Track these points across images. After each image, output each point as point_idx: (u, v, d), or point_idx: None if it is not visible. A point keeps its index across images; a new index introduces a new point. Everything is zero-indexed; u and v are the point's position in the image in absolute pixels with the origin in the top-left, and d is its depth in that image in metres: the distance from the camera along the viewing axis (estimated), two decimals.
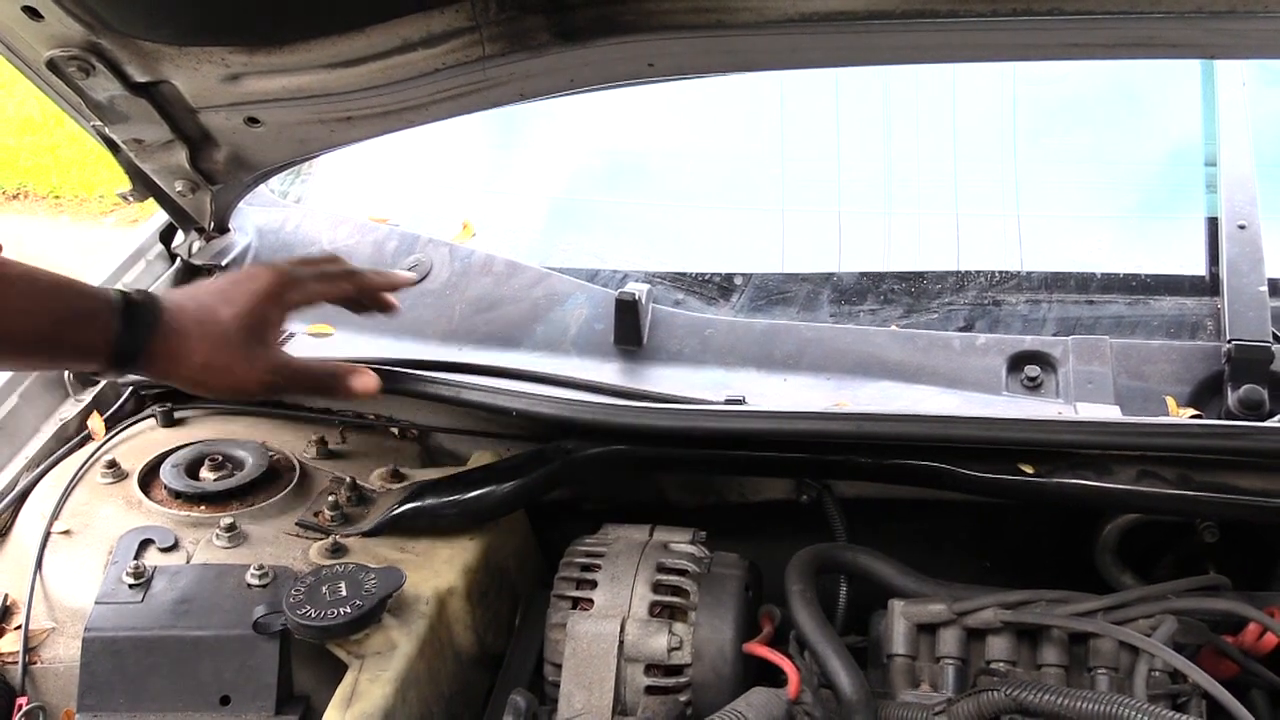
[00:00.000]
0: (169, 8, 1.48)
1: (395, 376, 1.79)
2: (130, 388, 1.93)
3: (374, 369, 1.79)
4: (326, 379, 1.62)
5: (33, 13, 1.46)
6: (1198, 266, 1.99)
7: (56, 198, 7.25)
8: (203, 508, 1.67)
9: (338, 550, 1.60)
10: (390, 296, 1.73)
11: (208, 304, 1.51)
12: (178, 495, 1.69)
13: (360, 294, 1.70)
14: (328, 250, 2.00)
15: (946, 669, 1.52)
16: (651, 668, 1.57)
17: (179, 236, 2.11)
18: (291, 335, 1.93)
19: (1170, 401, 1.79)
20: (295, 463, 1.78)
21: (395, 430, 1.92)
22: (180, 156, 1.76)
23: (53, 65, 1.55)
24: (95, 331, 1.42)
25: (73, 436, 1.87)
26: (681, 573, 1.61)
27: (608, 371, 1.89)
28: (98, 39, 1.51)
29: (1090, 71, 2.27)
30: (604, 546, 1.66)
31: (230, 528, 1.61)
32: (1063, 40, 1.42)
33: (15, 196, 7.32)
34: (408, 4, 1.42)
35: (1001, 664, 1.51)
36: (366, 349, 1.94)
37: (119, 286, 1.54)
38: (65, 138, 7.49)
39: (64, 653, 1.51)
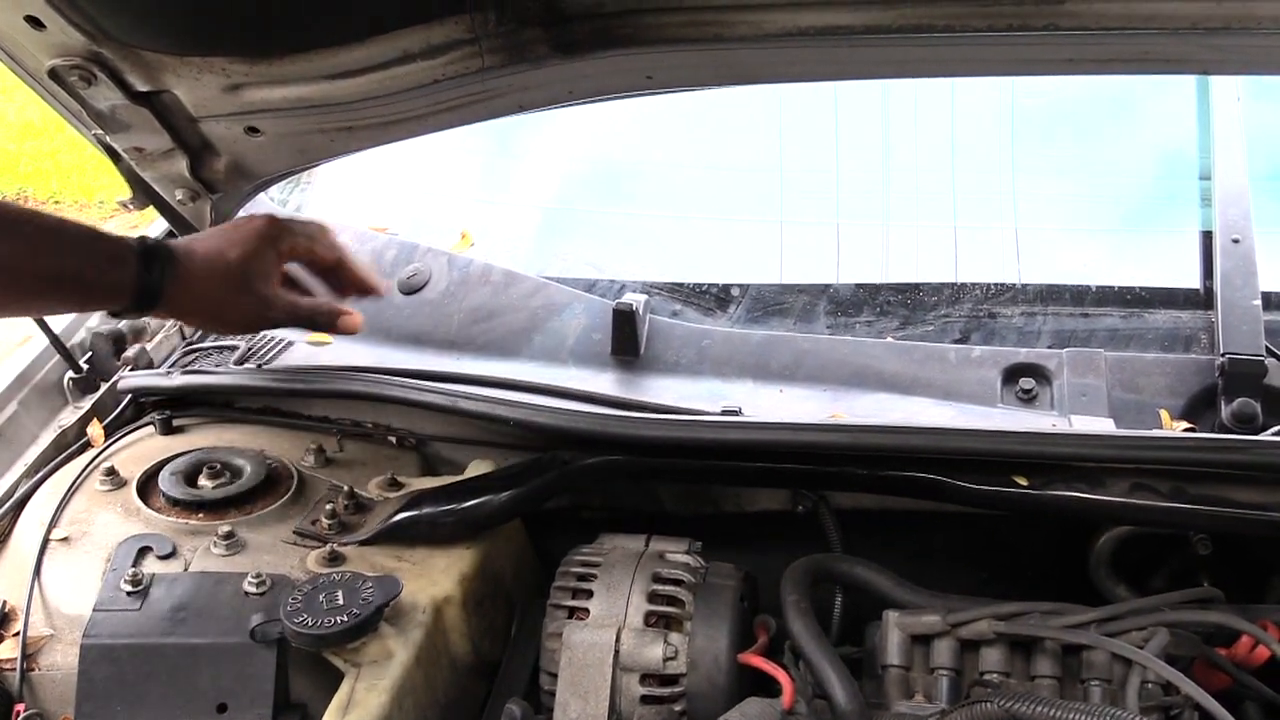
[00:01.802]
0: (171, 18, 1.49)
1: (393, 385, 1.80)
2: (129, 395, 1.94)
3: (371, 377, 1.80)
4: (315, 316, 1.74)
5: (35, 22, 1.47)
6: (1192, 280, 1.99)
7: (56, 202, 7.26)
8: (201, 515, 1.68)
9: (335, 559, 1.61)
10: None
11: (214, 247, 1.64)
12: (176, 503, 1.69)
13: (340, 268, 1.77)
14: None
15: (940, 680, 1.53)
16: (647, 677, 1.57)
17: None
18: (290, 344, 1.94)
19: (1164, 415, 1.79)
20: (293, 471, 1.78)
21: (393, 439, 1.92)
22: (181, 165, 1.76)
23: (55, 74, 1.55)
24: (122, 274, 1.55)
25: (72, 444, 1.88)
26: (677, 583, 1.62)
27: (605, 381, 1.90)
28: (99, 49, 1.52)
29: (1087, 86, 2.28)
30: (600, 556, 1.66)
31: (228, 536, 1.61)
32: (1059, 56, 1.42)
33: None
34: (408, 16, 1.43)
35: (995, 675, 1.52)
36: (364, 358, 1.95)
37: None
38: (65, 143, 7.51)
39: (62, 660, 1.51)
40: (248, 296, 1.64)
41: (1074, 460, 1.59)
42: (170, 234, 2.07)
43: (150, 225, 2.19)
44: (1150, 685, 1.46)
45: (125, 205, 1.91)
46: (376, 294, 1.81)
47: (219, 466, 1.74)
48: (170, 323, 2.08)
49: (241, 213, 2.06)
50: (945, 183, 2.19)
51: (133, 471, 1.75)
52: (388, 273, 2.11)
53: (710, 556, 1.70)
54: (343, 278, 1.77)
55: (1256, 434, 1.73)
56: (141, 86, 1.58)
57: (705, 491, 1.91)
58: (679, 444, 1.67)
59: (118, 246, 1.57)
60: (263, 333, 2.05)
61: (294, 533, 1.68)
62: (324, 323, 1.75)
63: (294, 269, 1.74)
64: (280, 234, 1.68)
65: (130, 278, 1.55)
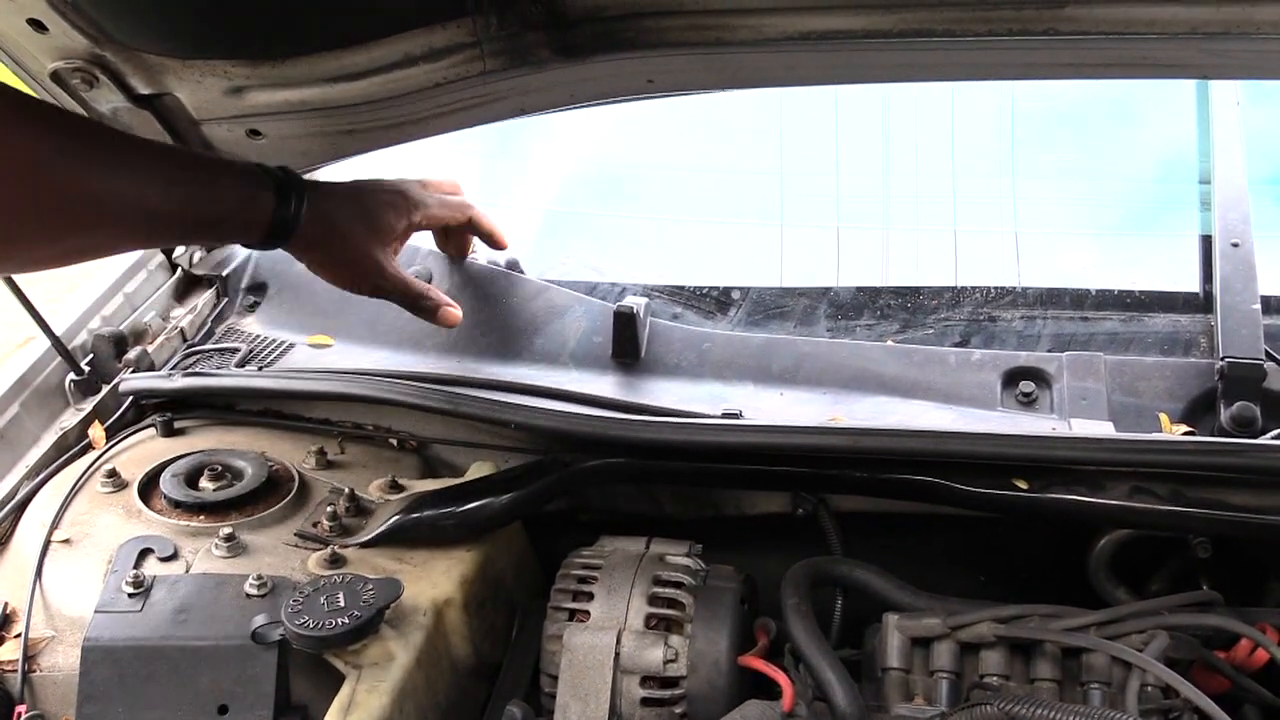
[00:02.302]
0: (173, 21, 1.49)
1: (394, 388, 1.80)
2: (130, 397, 1.94)
3: (373, 380, 1.80)
4: (422, 299, 1.79)
5: (38, 25, 1.47)
6: (1191, 284, 1.99)
7: None
8: (202, 517, 1.68)
9: (336, 561, 1.61)
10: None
11: (349, 194, 1.68)
12: (177, 505, 1.69)
13: (472, 225, 1.87)
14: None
15: (940, 683, 1.53)
16: (647, 679, 1.57)
17: (180, 247, 2.12)
18: (291, 346, 1.94)
19: (1163, 418, 1.79)
20: (294, 473, 1.79)
21: (394, 441, 1.92)
22: None
23: (57, 77, 1.56)
24: (257, 210, 1.55)
25: (73, 445, 1.88)
26: (678, 585, 1.62)
27: (606, 384, 1.90)
28: (102, 51, 1.52)
29: (1086, 90, 2.28)
30: (601, 558, 1.67)
31: (229, 538, 1.61)
32: (1059, 60, 1.43)
33: None
34: (410, 20, 1.43)
35: (995, 678, 1.52)
36: (366, 360, 1.95)
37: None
38: None
39: (63, 661, 1.51)
40: (371, 255, 1.68)
41: (1073, 463, 1.60)
42: (183, 280, 2.11)
43: None
44: (1150, 688, 1.46)
45: None
46: (501, 246, 1.93)
47: (220, 469, 1.75)
48: (171, 325, 2.08)
49: None
50: (945, 186, 2.20)
51: (134, 473, 1.75)
52: None
53: (710, 559, 1.71)
54: (475, 231, 1.89)
55: (1255, 437, 1.73)
56: (144, 89, 1.59)
57: (706, 494, 1.91)
58: (680, 447, 1.67)
59: (253, 179, 1.55)
60: (265, 335, 2.05)
61: (295, 535, 1.68)
62: (428, 308, 1.79)
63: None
64: (411, 197, 1.72)
65: (266, 213, 1.55)
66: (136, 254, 2.14)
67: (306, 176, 1.63)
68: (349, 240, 1.66)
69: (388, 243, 1.71)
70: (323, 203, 1.61)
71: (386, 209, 1.69)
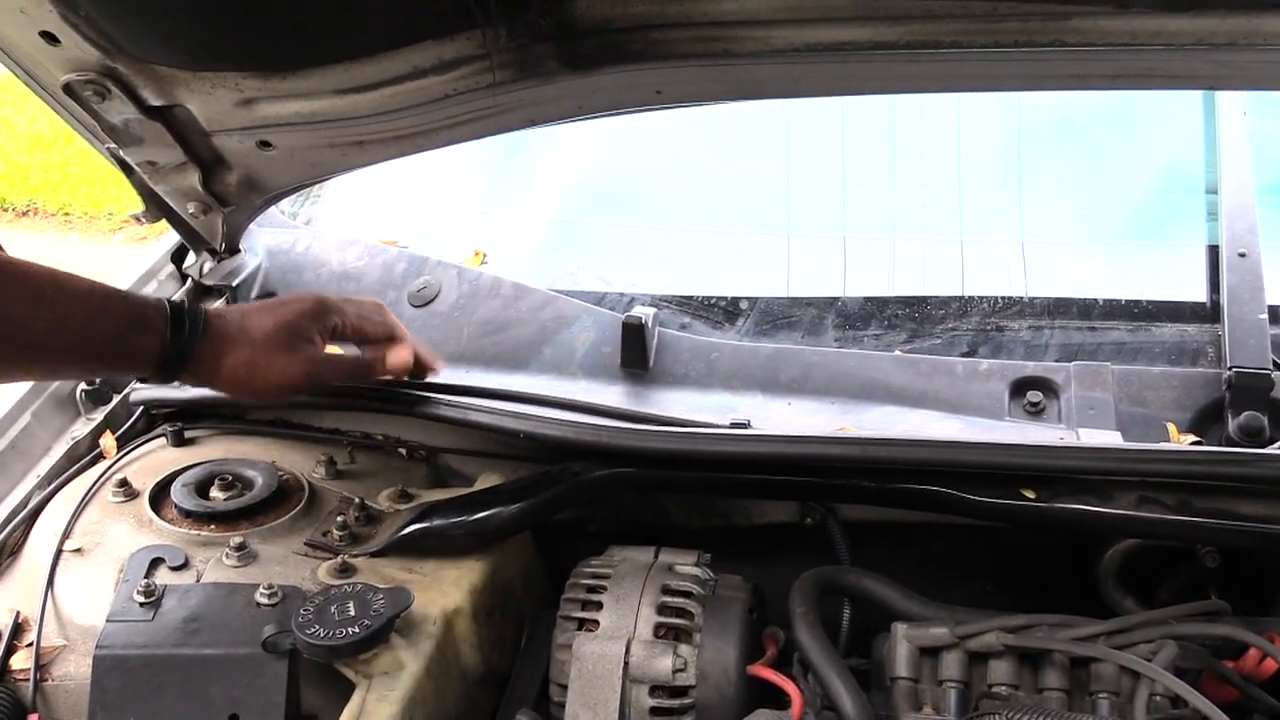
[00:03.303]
0: (185, 34, 1.50)
1: (403, 398, 1.81)
2: (141, 406, 1.95)
3: (383, 389, 1.81)
4: (361, 371, 1.75)
5: (50, 38, 1.48)
6: (1199, 294, 2.00)
7: (66, 214, 7.29)
8: (213, 527, 1.69)
9: (346, 570, 1.61)
10: (401, 357, 1.78)
11: (250, 310, 1.64)
12: (188, 514, 1.70)
13: (393, 344, 1.77)
14: (358, 294, 2.02)
15: (949, 692, 1.53)
16: (656, 689, 1.58)
17: (190, 257, 2.13)
18: None
19: (1171, 428, 1.80)
20: (304, 483, 1.79)
21: (403, 451, 1.93)
22: (193, 179, 1.78)
23: (69, 89, 1.57)
24: (150, 339, 1.52)
25: (84, 455, 1.89)
26: (686, 594, 1.62)
27: (614, 394, 1.90)
28: (113, 64, 1.53)
29: (1093, 100, 2.29)
30: (609, 568, 1.67)
31: (240, 547, 1.62)
32: (1065, 71, 1.43)
33: (25, 213, 7.37)
34: (420, 32, 1.44)
35: (1003, 687, 1.52)
36: None
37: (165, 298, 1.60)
38: (75, 155, 7.54)
39: (75, 670, 1.52)
40: (284, 357, 1.61)
41: (1081, 473, 1.60)
42: (193, 291, 2.10)
43: (162, 237, 2.21)
44: (1158, 698, 1.46)
45: (137, 218, 1.92)
46: (434, 372, 1.83)
47: (230, 478, 1.75)
48: None
49: (252, 226, 2.09)
50: (952, 196, 2.20)
51: (145, 483, 1.76)
52: (398, 285, 2.12)
53: (719, 568, 1.71)
54: (396, 354, 1.78)
55: (1263, 447, 1.74)
56: (155, 101, 1.59)
57: (714, 504, 1.92)
58: (688, 456, 1.67)
59: (145, 310, 1.52)
60: None
61: (305, 544, 1.69)
62: (375, 370, 1.74)
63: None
64: (328, 307, 1.66)
65: (157, 343, 1.51)
66: (147, 265, 2.15)
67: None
68: (261, 356, 1.60)
69: (307, 341, 1.65)
70: (221, 325, 1.57)
71: (294, 313, 1.63)
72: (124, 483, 1.75)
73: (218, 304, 1.64)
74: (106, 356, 1.54)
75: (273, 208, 2.08)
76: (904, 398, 1.87)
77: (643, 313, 1.94)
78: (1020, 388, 1.86)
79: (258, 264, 2.15)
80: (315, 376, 1.68)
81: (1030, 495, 1.60)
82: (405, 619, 1.52)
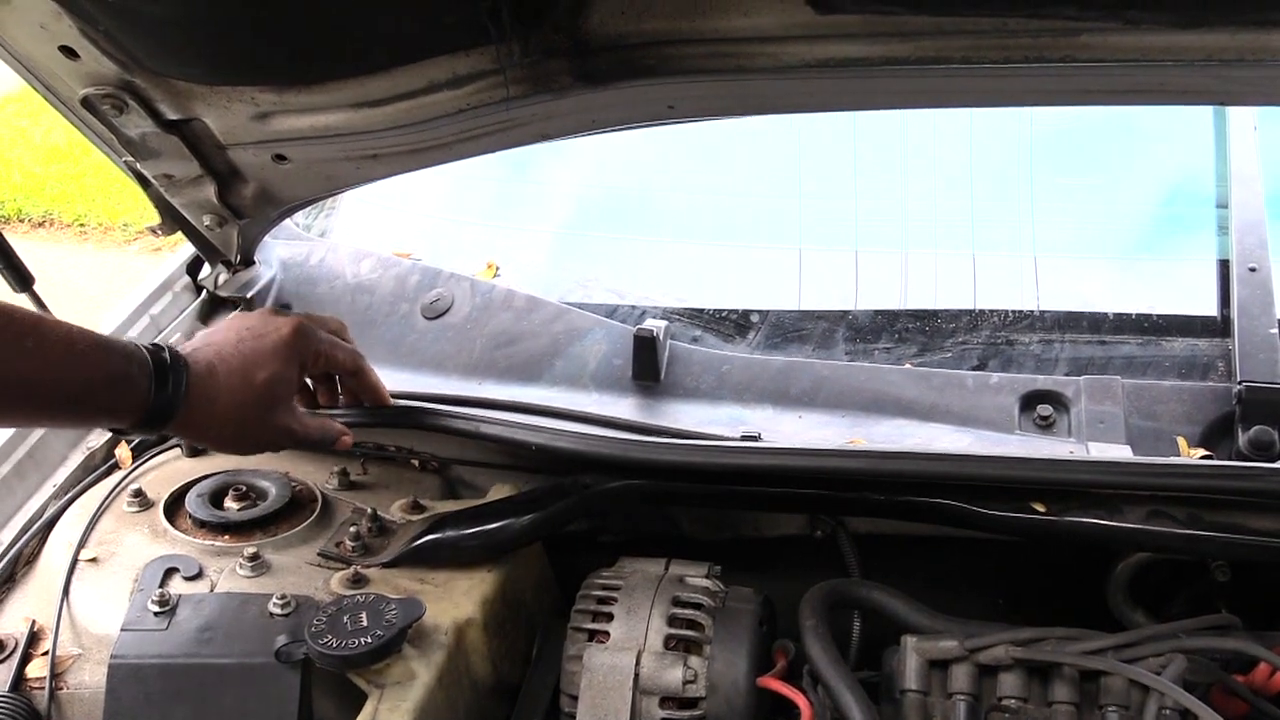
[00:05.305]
0: (202, 49, 1.51)
1: (416, 410, 1.82)
2: None
3: (395, 402, 1.82)
4: (323, 441, 1.70)
5: (69, 52, 1.49)
6: (1209, 308, 2.00)
7: (81, 225, 7.31)
8: (227, 537, 1.70)
9: (359, 580, 1.62)
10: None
11: (236, 368, 1.56)
12: (202, 524, 1.71)
13: (357, 375, 1.78)
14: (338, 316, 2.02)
15: (958, 705, 1.53)
16: (666, 700, 1.58)
17: (205, 269, 2.15)
18: None
19: (1181, 442, 1.80)
20: (317, 494, 1.80)
21: (416, 462, 1.94)
22: (209, 191, 1.79)
23: (87, 103, 1.58)
24: (129, 394, 1.44)
25: (99, 465, 1.90)
26: (697, 606, 1.63)
27: (625, 407, 1.91)
28: (131, 77, 1.54)
29: (1104, 114, 2.29)
30: (620, 579, 1.68)
31: (254, 557, 1.63)
32: (1076, 86, 1.44)
33: (41, 224, 7.40)
34: (434, 46, 1.45)
35: (1013, 700, 1.52)
36: (388, 383, 1.96)
37: (151, 341, 1.56)
38: (91, 166, 7.57)
39: (90, 679, 1.53)
40: (271, 419, 1.60)
41: (1091, 487, 1.60)
42: (208, 302, 2.10)
43: (177, 249, 2.22)
44: (1168, 711, 1.46)
45: (153, 231, 1.94)
46: (384, 405, 1.82)
47: (244, 489, 1.77)
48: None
49: (267, 239, 2.10)
50: (963, 210, 2.21)
51: (159, 493, 1.77)
52: (411, 298, 2.13)
53: (729, 581, 1.71)
54: (358, 384, 1.79)
55: (1273, 461, 1.73)
56: (172, 115, 1.61)
57: (724, 516, 1.92)
58: (699, 469, 1.68)
59: (125, 363, 1.44)
60: None
61: (318, 555, 1.70)
62: (329, 441, 1.71)
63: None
64: (306, 344, 1.64)
65: (137, 399, 1.44)
66: (163, 275, 2.16)
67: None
68: (245, 417, 1.57)
69: (288, 399, 1.65)
70: (207, 383, 1.52)
71: (279, 361, 1.60)
72: (139, 493, 1.76)
73: (196, 337, 1.61)
74: (79, 411, 1.47)
75: (287, 220, 2.09)
76: (914, 411, 1.88)
77: (654, 325, 1.94)
78: (1030, 401, 1.87)
79: (272, 276, 2.16)
80: (288, 444, 1.68)
81: (1040, 509, 1.60)
82: (417, 629, 1.53)
